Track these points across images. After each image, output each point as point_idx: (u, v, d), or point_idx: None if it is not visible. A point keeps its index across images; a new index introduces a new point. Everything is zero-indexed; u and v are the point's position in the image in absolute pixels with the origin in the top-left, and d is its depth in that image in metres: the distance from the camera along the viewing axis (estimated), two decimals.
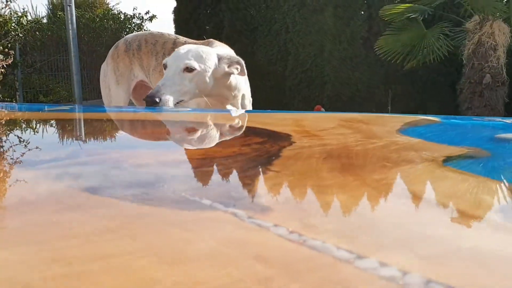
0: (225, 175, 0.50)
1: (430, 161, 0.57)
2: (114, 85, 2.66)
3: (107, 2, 10.05)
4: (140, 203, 0.40)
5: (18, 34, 7.27)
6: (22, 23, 7.64)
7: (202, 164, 0.55)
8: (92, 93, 8.24)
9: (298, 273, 0.28)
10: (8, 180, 0.52)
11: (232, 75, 2.10)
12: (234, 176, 0.50)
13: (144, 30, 8.77)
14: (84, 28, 8.03)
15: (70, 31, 7.22)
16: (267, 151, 0.62)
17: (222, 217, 0.37)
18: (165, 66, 2.02)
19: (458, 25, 5.51)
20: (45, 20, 8.74)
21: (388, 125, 0.86)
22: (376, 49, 5.76)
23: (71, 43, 7.26)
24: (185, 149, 0.66)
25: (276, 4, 8.11)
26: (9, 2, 6.92)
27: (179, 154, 0.62)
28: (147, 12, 8.80)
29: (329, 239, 0.33)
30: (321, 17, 7.73)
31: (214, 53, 2.07)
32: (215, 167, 0.54)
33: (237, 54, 7.50)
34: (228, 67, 2.06)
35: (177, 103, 1.91)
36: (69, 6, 7.21)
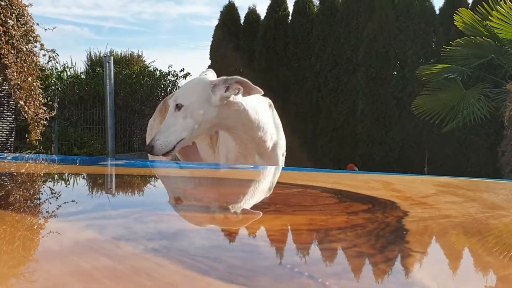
0: (361, 256, 0.40)
1: None
2: None
3: (143, 59, 10.39)
4: None
5: (58, 88, 7.50)
6: (62, 78, 7.91)
7: (319, 237, 0.45)
8: (124, 147, 8.33)
9: None
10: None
11: (247, 107, 1.96)
12: (376, 258, 0.40)
13: (179, 87, 8.95)
14: (120, 84, 8.25)
15: (108, 86, 7.41)
16: (385, 223, 0.52)
17: None
18: None
19: (498, 86, 5.41)
20: (83, 76, 9.03)
21: (496, 192, 0.76)
22: (413, 109, 5.67)
23: (108, 98, 7.43)
24: (279, 215, 0.56)
25: (308, 64, 8.21)
26: (51, 59, 7.20)
27: (279, 222, 0.52)
28: (182, 70, 9.02)
29: None
30: (353, 77, 7.76)
31: (205, 81, 1.97)
32: (338, 243, 0.44)
33: None
34: (226, 90, 1.92)
35: (177, 143, 1.91)
36: (108, 62, 7.45)
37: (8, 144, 3.57)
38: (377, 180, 0.85)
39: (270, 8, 8.28)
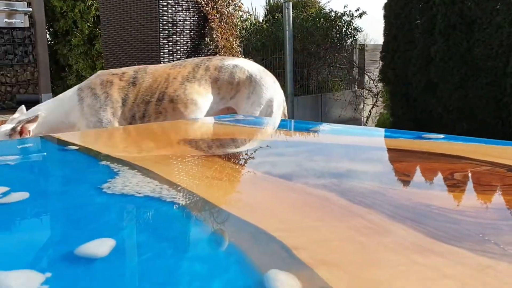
0: None
1: None
2: None
3: (318, 1, 10.50)
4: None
5: (243, 36, 8.17)
6: (246, 26, 8.56)
7: (507, 215, 0.65)
8: (300, 89, 8.78)
9: None
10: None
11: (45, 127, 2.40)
12: None
13: (354, 27, 8.93)
14: (298, 28, 8.58)
15: (287, 31, 7.82)
16: None
17: None
18: None
19: None
20: (264, 23, 9.58)
21: None
22: None
23: (287, 43, 7.86)
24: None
25: None
26: (237, 9, 7.83)
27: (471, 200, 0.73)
28: (357, 9, 8.92)
29: None
30: None
31: (3, 134, 2.32)
32: None
33: (450, 49, 7.14)
34: (21, 134, 2.35)
35: None
36: (287, 8, 7.80)
37: None
38: None
39: None
